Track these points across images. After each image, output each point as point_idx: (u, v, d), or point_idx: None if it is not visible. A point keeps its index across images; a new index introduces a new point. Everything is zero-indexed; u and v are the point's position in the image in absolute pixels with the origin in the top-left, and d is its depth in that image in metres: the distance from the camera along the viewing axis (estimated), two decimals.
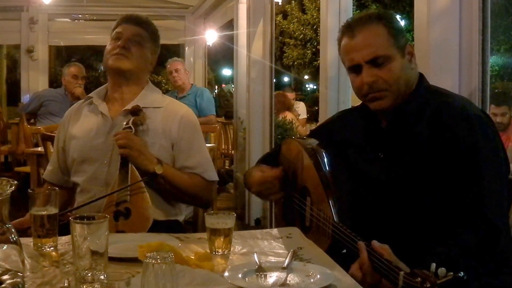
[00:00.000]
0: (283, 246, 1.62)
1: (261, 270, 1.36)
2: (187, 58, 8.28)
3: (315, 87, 18.01)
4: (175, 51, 8.84)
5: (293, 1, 15.24)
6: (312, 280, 1.31)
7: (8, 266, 1.01)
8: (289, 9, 15.32)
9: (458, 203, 1.49)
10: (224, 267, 1.42)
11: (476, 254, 1.41)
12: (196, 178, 2.14)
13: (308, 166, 1.78)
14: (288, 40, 15.64)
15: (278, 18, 14.15)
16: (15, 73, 11.09)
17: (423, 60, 2.24)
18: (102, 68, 12.54)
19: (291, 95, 7.64)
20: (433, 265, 1.12)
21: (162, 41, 2.31)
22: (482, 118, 1.60)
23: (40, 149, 4.27)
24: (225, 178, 6.06)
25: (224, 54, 12.98)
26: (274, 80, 5.32)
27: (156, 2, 7.80)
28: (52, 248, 1.54)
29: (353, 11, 4.08)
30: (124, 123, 2.08)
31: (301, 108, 7.94)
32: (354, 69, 1.67)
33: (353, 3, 4.06)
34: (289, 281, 1.30)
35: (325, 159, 1.76)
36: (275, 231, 1.79)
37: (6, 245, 1.04)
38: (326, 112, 3.63)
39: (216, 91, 15.48)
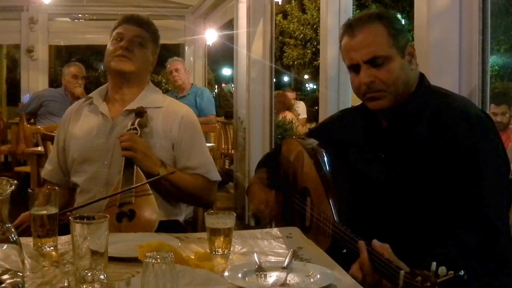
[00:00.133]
0: (283, 246, 1.62)
1: (261, 270, 1.36)
2: (187, 58, 8.26)
3: (315, 87, 18.02)
4: (175, 51, 8.83)
5: (293, 1, 15.26)
6: (312, 280, 1.31)
7: (8, 266, 1.00)
8: (289, 9, 15.34)
9: (458, 203, 1.49)
10: (224, 267, 1.41)
11: (476, 254, 1.41)
12: (199, 178, 2.14)
13: (309, 166, 1.78)
14: (288, 40, 15.65)
15: (278, 18, 14.18)
16: (15, 73, 11.08)
17: (423, 60, 2.23)
18: (102, 68, 12.56)
19: (291, 95, 7.65)
20: (434, 264, 1.12)
21: (162, 41, 2.31)
22: (482, 118, 1.59)
23: (40, 149, 4.27)
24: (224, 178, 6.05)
25: (224, 54, 12.97)
26: (274, 80, 5.33)
27: (156, 2, 7.79)
28: (52, 248, 1.54)
29: (353, 11, 4.08)
30: (129, 123, 2.07)
31: (301, 108, 7.94)
32: (354, 68, 1.67)
33: (353, 3, 4.06)
34: (289, 281, 1.30)
35: (325, 159, 1.76)
36: (275, 231, 1.78)
37: (6, 245, 1.04)
38: (326, 112, 3.62)
39: (216, 91, 15.50)
